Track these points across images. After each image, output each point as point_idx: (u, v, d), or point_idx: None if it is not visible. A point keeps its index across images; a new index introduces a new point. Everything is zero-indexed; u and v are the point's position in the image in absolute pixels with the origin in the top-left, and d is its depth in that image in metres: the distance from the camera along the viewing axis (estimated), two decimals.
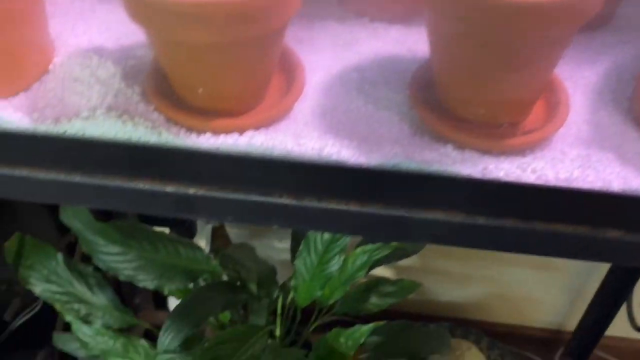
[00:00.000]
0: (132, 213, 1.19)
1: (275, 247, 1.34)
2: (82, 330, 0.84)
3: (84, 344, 0.83)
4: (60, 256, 0.92)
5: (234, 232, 1.30)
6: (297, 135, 0.50)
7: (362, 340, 0.86)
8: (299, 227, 0.54)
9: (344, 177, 0.50)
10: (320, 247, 0.86)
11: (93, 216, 0.82)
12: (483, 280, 1.42)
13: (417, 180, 0.49)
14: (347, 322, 1.40)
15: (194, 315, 0.85)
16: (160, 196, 0.52)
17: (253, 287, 0.97)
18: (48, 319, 1.16)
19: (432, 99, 0.53)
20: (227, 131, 0.49)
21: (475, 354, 1.28)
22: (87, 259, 1.25)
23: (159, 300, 1.54)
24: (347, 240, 0.84)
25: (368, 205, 0.51)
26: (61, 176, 0.52)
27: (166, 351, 0.79)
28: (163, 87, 0.51)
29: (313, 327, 1.01)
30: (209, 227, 1.21)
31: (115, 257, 0.83)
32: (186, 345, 0.83)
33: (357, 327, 0.87)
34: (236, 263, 0.99)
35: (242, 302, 0.93)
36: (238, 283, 0.95)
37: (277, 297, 0.98)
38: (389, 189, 0.50)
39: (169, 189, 0.51)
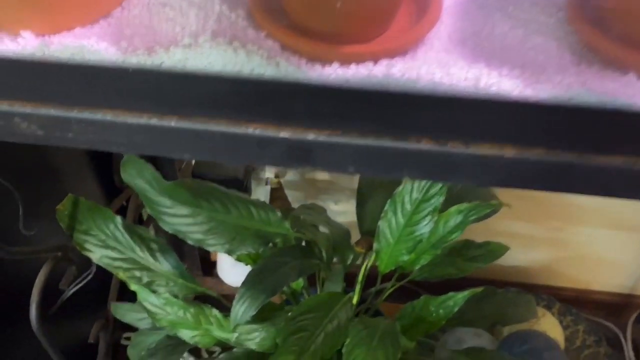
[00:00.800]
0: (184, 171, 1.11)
1: (330, 209, 1.26)
2: (150, 300, 0.77)
3: (152, 315, 0.76)
4: (119, 219, 0.84)
5: (290, 194, 1.22)
6: (442, 64, 0.41)
7: (455, 309, 0.78)
8: (435, 177, 0.45)
9: (502, 114, 0.40)
10: (408, 206, 0.78)
11: (160, 174, 0.74)
12: (551, 243, 1.33)
13: (595, 117, 0.40)
14: (410, 290, 1.33)
15: (270, 283, 0.78)
16: (272, 143, 0.43)
17: (327, 252, 0.89)
18: (101, 287, 1.09)
19: (598, 19, 0.43)
20: (360, 60, 0.40)
21: (550, 320, 1.20)
22: (141, 223, 1.18)
23: (206, 266, 1.48)
24: (440, 199, 0.75)
25: (528, 149, 0.42)
26: (153, 120, 0.43)
27: (247, 322, 0.71)
28: (273, 10, 0.42)
29: (387, 293, 0.94)
30: (267, 188, 1.12)
31: (184, 220, 0.75)
32: (260, 315, 0.76)
33: (450, 294, 0.79)
34: (308, 226, 0.91)
35: (317, 267, 0.85)
36: (312, 247, 0.87)
37: (352, 262, 0.90)
38: (558, 128, 0.40)
39: (284, 134, 0.43)
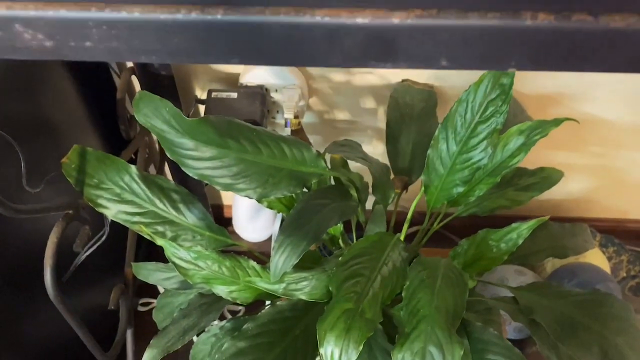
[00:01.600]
0: None
1: None
2: (179, 255, 0.69)
3: (184, 271, 0.68)
4: (134, 169, 0.75)
5: (309, 138, 1.13)
6: None
7: (520, 242, 0.71)
8: (553, 65, 0.36)
9: None
10: (462, 130, 0.69)
11: (180, 111, 0.64)
12: (589, 171, 1.25)
13: None
14: (444, 236, 1.26)
15: (311, 227, 0.70)
16: (346, 34, 0.34)
17: (364, 192, 0.81)
18: (116, 248, 1.01)
19: None
20: None
21: (596, 252, 1.14)
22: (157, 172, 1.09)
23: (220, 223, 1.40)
24: (500, 119, 0.67)
25: None
26: (193, 15, 0.34)
27: (292, 271, 0.64)
28: None
29: (428, 237, 0.86)
30: (287, 131, 1.04)
31: (209, 163, 0.67)
32: (300, 265, 0.68)
33: (512, 225, 0.71)
34: (344, 163, 0.83)
35: (356, 208, 0.77)
36: (349, 188, 0.79)
37: (394, 201, 0.82)
38: None
39: (361, 19, 0.34)
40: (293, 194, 0.81)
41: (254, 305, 0.78)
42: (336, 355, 0.57)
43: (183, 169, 0.68)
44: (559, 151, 1.20)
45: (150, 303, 1.26)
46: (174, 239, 0.75)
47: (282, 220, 0.76)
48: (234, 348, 0.65)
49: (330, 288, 0.62)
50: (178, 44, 0.36)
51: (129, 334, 1.02)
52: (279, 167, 0.71)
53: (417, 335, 0.60)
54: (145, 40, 0.35)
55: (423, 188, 0.76)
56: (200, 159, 0.67)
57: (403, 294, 0.63)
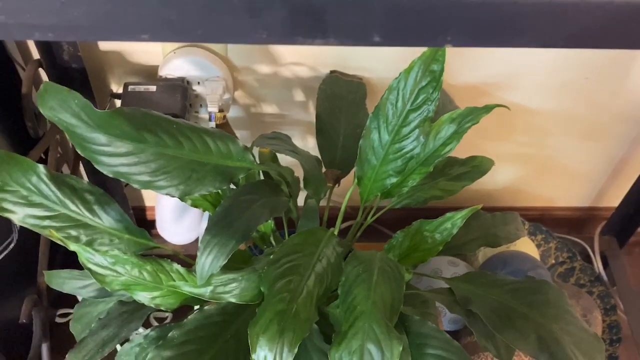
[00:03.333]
0: None
1: None
2: (95, 261, 0.64)
3: (100, 278, 0.63)
4: (42, 169, 0.70)
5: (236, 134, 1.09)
6: None
7: (454, 231, 0.70)
8: (488, 40, 0.34)
9: None
10: (394, 119, 0.67)
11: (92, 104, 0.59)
12: (516, 160, 1.28)
13: None
14: (378, 231, 1.25)
15: (240, 225, 0.66)
16: (269, 6, 0.32)
17: (296, 187, 0.78)
18: (27, 257, 0.94)
19: None
20: None
21: (525, 240, 1.16)
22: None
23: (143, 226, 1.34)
24: (431, 107, 0.65)
25: None
26: None
27: (219, 273, 0.60)
28: None
29: (360, 231, 0.85)
30: (211, 125, 0.99)
31: (125, 159, 0.62)
32: (229, 266, 0.64)
33: (447, 215, 0.70)
34: (273, 157, 0.80)
35: (288, 204, 0.75)
36: (279, 182, 0.76)
37: (326, 195, 0.80)
38: None
39: None
40: (219, 191, 0.77)
41: (182, 311, 0.74)
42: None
43: (96, 166, 0.63)
44: (489, 141, 1.22)
45: (69, 314, 1.19)
46: (89, 243, 0.70)
47: None
48: (158, 358, 0.61)
49: (262, 289, 0.59)
50: (78, 19, 0.32)
51: (44, 349, 0.95)
52: (203, 161, 0.67)
53: (355, 332, 0.58)
54: (38, 14, 0.31)
55: (356, 180, 0.74)
56: (115, 155, 0.62)
57: (339, 291, 0.61)
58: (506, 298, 0.71)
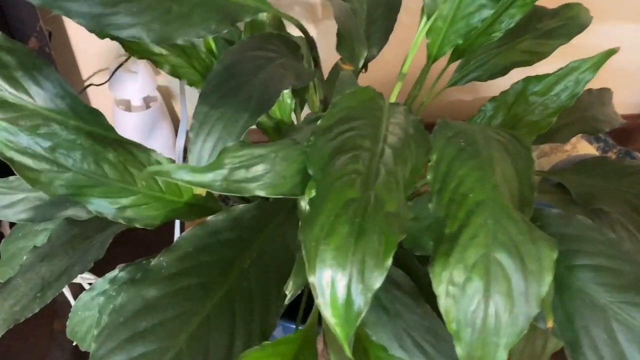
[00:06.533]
0: None
1: None
2: (20, 144, 0.39)
3: (33, 176, 0.39)
4: None
5: None
6: None
7: (580, 92, 0.48)
8: None
9: None
10: None
11: None
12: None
13: None
14: None
15: (252, 90, 0.43)
16: None
17: (317, 52, 0.55)
18: None
19: None
20: None
21: (586, 147, 0.96)
22: None
23: None
24: None
25: None
26: None
27: (242, 144, 0.36)
28: None
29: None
30: None
31: None
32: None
33: (571, 64, 0.47)
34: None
35: (315, 73, 0.51)
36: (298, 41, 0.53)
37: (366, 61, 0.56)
38: None
39: None
40: (214, 48, 0.52)
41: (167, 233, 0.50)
42: (341, 285, 0.31)
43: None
44: None
45: None
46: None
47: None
48: (139, 300, 0.37)
49: (310, 170, 0.35)
50: None
51: None
52: None
53: (472, 235, 0.35)
54: None
55: (424, 23, 0.50)
56: None
57: (429, 176, 0.38)
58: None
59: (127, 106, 0.93)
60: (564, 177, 0.52)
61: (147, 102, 0.94)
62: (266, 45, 0.48)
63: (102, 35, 0.45)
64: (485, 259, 0.34)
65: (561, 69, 0.48)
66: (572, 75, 0.47)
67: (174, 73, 0.51)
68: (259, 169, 0.37)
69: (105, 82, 0.89)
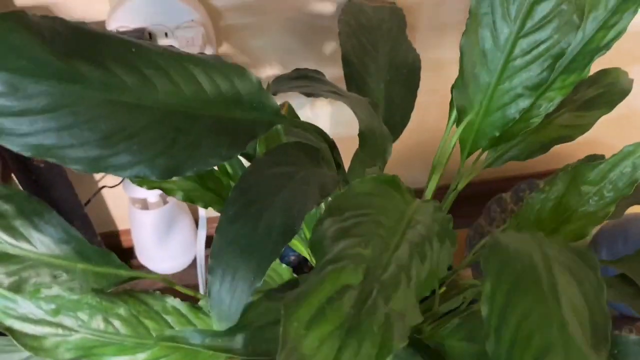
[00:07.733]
0: None
1: None
2: (20, 312, 0.35)
3: (36, 344, 0.35)
4: None
5: None
6: None
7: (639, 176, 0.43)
8: None
9: None
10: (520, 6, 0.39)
11: None
12: None
13: None
14: None
15: (273, 216, 0.39)
16: None
17: (339, 153, 0.51)
18: None
19: None
20: None
21: None
22: None
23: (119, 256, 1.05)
24: None
25: None
26: None
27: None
28: None
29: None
30: None
31: (46, 119, 0.34)
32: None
33: (625, 150, 0.43)
34: (294, 114, 0.52)
35: (338, 179, 0.47)
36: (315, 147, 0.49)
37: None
38: None
39: None
40: (227, 166, 0.49)
41: None
42: None
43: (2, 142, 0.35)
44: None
45: None
46: (15, 285, 0.41)
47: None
48: None
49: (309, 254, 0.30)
50: None
51: None
52: (194, 112, 0.39)
53: None
54: None
55: (454, 117, 0.46)
56: (25, 114, 0.34)
57: (485, 310, 0.33)
58: None
59: (144, 204, 0.90)
60: (630, 267, 0.46)
61: (164, 197, 0.91)
62: (284, 159, 0.44)
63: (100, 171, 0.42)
64: None
65: (614, 155, 0.43)
66: (627, 160, 0.42)
67: (187, 198, 0.47)
68: None
69: (119, 183, 0.87)
